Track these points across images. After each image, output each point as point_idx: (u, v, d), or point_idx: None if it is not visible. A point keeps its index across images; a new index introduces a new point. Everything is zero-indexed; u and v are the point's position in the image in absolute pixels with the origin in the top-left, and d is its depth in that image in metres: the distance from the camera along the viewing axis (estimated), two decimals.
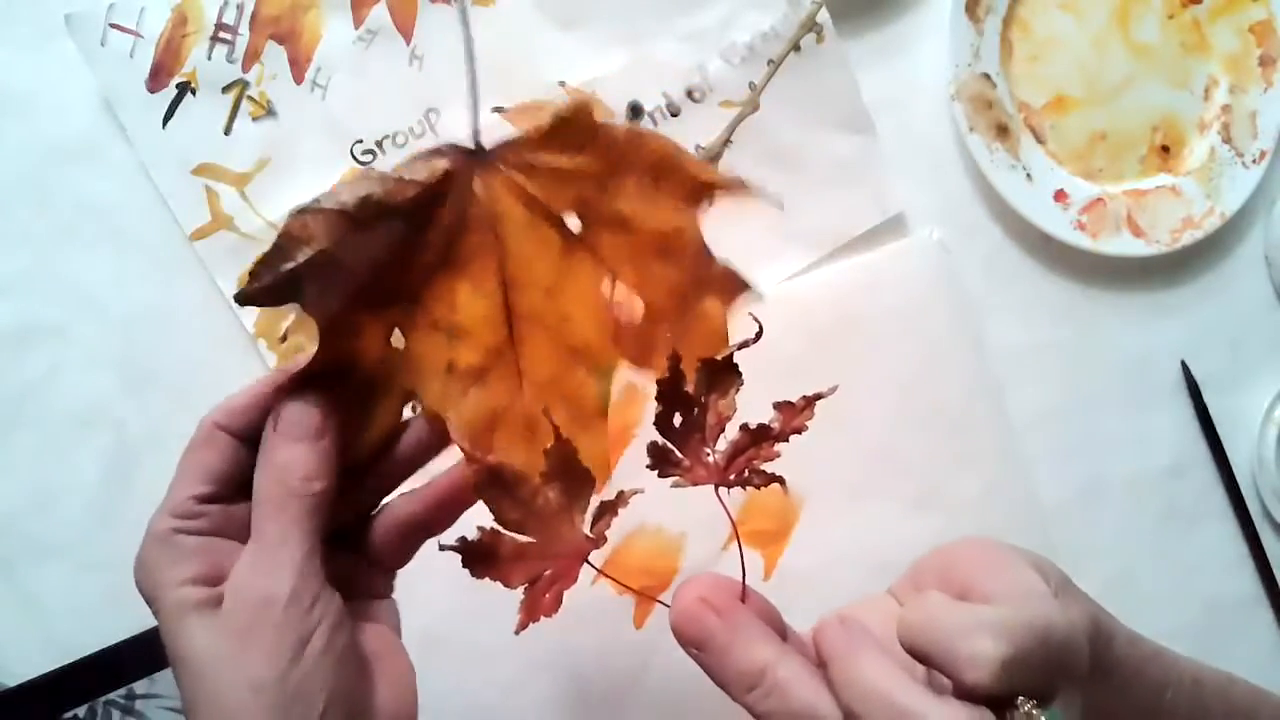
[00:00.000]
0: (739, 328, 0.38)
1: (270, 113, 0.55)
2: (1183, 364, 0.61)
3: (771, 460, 0.38)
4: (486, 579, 0.36)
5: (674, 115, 0.57)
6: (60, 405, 0.55)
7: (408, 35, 0.55)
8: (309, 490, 0.34)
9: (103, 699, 0.52)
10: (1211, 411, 0.61)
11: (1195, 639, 0.40)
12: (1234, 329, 0.62)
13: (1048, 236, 0.58)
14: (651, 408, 0.39)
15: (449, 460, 0.37)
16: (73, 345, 0.55)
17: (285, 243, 0.33)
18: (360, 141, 0.55)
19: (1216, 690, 0.40)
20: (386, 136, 0.56)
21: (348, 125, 0.55)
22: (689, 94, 0.57)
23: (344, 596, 0.35)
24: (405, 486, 0.38)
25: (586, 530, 0.37)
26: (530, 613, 0.36)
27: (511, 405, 0.37)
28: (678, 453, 0.38)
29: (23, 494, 0.54)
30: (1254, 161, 0.60)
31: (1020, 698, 0.30)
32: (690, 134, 0.56)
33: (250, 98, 0.55)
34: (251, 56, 0.55)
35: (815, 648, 0.33)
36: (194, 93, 0.54)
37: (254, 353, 0.55)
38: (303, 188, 0.54)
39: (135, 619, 0.53)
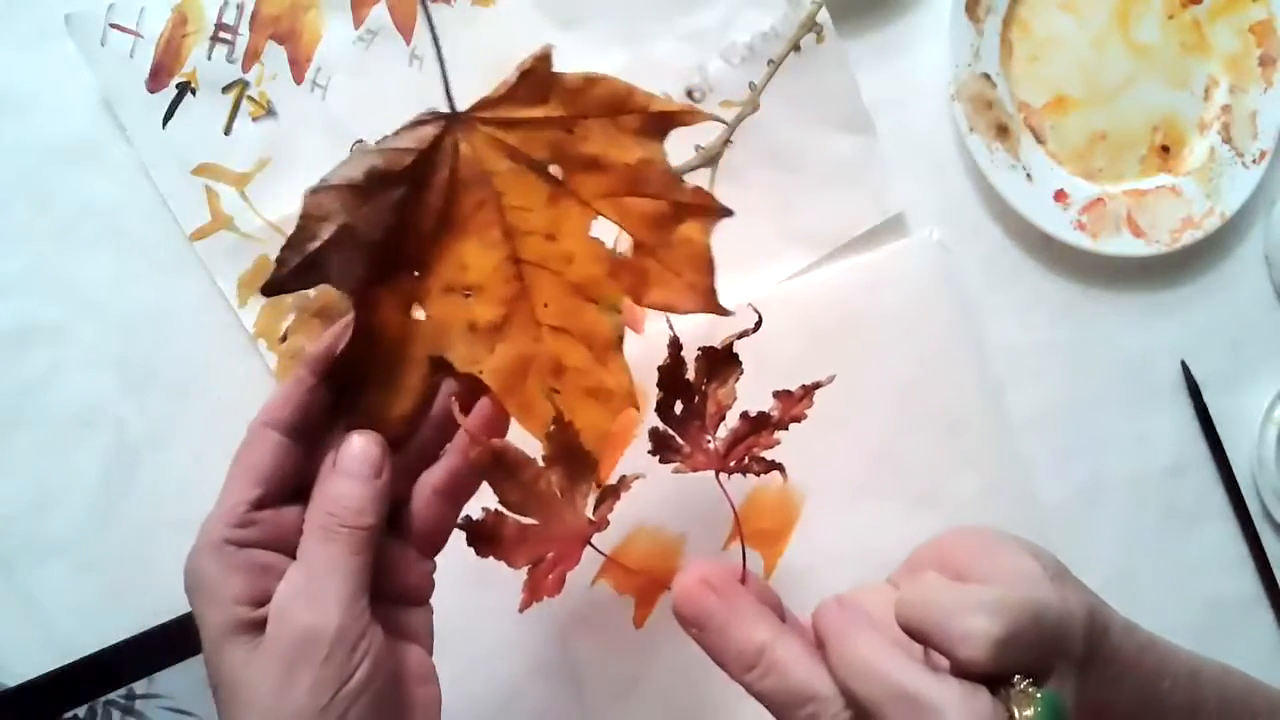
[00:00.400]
0: (739, 319, 0.39)
1: (270, 113, 0.55)
2: (1183, 364, 0.61)
3: (771, 448, 0.38)
4: (490, 558, 0.37)
5: None
6: (60, 405, 0.55)
7: (408, 35, 0.55)
8: (361, 523, 0.35)
9: (103, 699, 0.52)
10: (1211, 411, 0.61)
11: (1195, 638, 0.40)
12: (1234, 329, 0.62)
13: (1048, 236, 0.58)
14: (652, 408, 0.39)
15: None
16: (72, 345, 0.55)
17: (307, 222, 0.35)
18: (360, 141, 0.55)
19: (1213, 680, 0.40)
20: (386, 136, 0.56)
21: (348, 125, 0.55)
22: (689, 94, 0.57)
23: (386, 599, 0.36)
24: None
25: (589, 514, 0.38)
26: (533, 592, 0.37)
27: (537, 350, 0.39)
28: (678, 439, 0.39)
29: (23, 494, 0.54)
30: (1254, 161, 0.60)
31: (1015, 676, 0.30)
32: (690, 134, 0.56)
33: (250, 98, 0.55)
34: (251, 56, 0.55)
35: (813, 629, 0.34)
36: (194, 93, 0.54)
37: (254, 353, 0.55)
38: (303, 188, 0.54)
39: (135, 619, 0.53)
